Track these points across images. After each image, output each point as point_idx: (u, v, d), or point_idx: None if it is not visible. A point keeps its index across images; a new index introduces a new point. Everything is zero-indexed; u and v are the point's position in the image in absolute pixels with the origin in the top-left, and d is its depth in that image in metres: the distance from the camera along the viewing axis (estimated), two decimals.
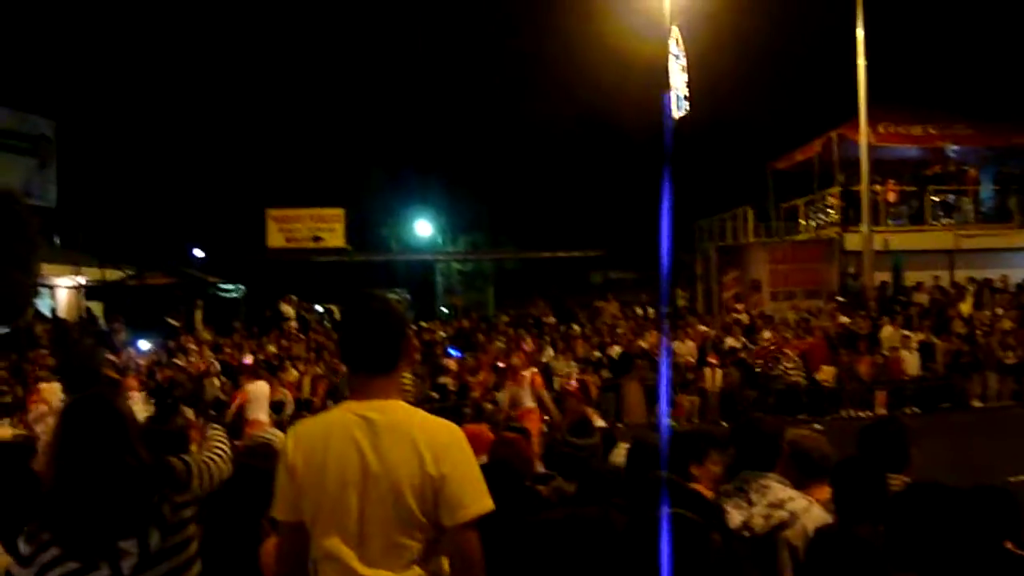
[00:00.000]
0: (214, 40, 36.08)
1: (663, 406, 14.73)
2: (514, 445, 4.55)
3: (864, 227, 21.75)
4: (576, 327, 21.36)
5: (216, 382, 17.54)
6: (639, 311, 23.73)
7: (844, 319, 19.97)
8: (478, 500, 2.53)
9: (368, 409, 2.59)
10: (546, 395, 11.83)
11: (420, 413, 2.67)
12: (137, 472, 2.70)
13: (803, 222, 26.21)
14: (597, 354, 19.08)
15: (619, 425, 16.76)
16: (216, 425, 3.04)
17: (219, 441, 3.24)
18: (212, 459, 3.02)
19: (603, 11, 25.81)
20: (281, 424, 15.07)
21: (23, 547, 2.47)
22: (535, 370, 12.87)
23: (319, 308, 27.62)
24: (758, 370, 18.08)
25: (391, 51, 38.02)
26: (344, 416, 2.62)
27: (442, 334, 21.86)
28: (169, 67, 35.10)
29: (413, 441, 2.53)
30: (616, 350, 19.08)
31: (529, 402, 11.41)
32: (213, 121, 34.76)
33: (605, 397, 17.70)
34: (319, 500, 2.55)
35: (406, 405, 2.67)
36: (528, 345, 18.62)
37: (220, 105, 35.04)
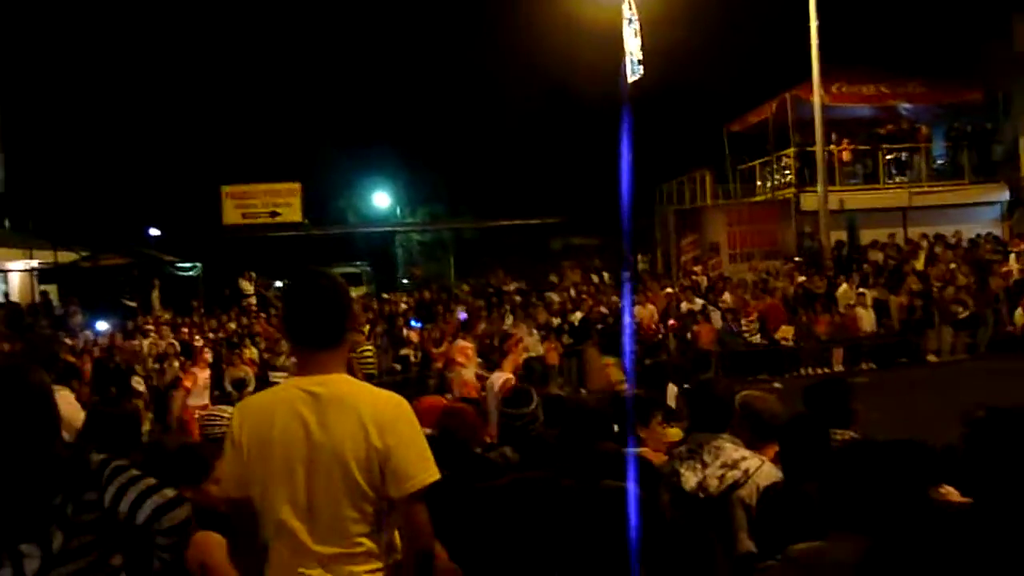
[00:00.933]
0: (164, 16, 35.42)
1: (627, 371, 14.83)
2: (460, 415, 4.57)
3: (820, 187, 21.95)
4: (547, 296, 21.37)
5: (176, 363, 17.36)
6: (595, 278, 23.81)
7: (802, 279, 20.18)
8: (424, 471, 2.54)
9: (313, 384, 2.59)
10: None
11: (365, 386, 2.68)
12: (46, 465, 2.52)
13: (759, 183, 26.37)
14: (557, 321, 19.11)
15: (582, 391, 16.87)
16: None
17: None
18: (139, 479, 2.60)
19: None
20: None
21: None
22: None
23: (278, 284, 27.43)
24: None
25: (344, 22, 37.51)
26: (289, 391, 2.62)
27: (404, 305, 21.81)
28: (119, 45, 34.37)
29: (358, 414, 2.53)
30: (577, 316, 19.14)
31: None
32: (165, 98, 34.21)
33: (567, 363, 17.78)
34: (267, 475, 2.55)
35: (351, 379, 2.67)
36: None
37: (172, 82, 34.48)
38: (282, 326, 2.81)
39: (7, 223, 30.34)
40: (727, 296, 19.55)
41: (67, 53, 33.23)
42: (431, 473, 2.56)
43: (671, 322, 18.50)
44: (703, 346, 17.99)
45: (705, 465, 3.74)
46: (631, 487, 3.34)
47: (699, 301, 19.30)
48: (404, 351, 18.24)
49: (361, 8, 36.36)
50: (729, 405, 3.99)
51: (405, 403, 2.65)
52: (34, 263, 28.28)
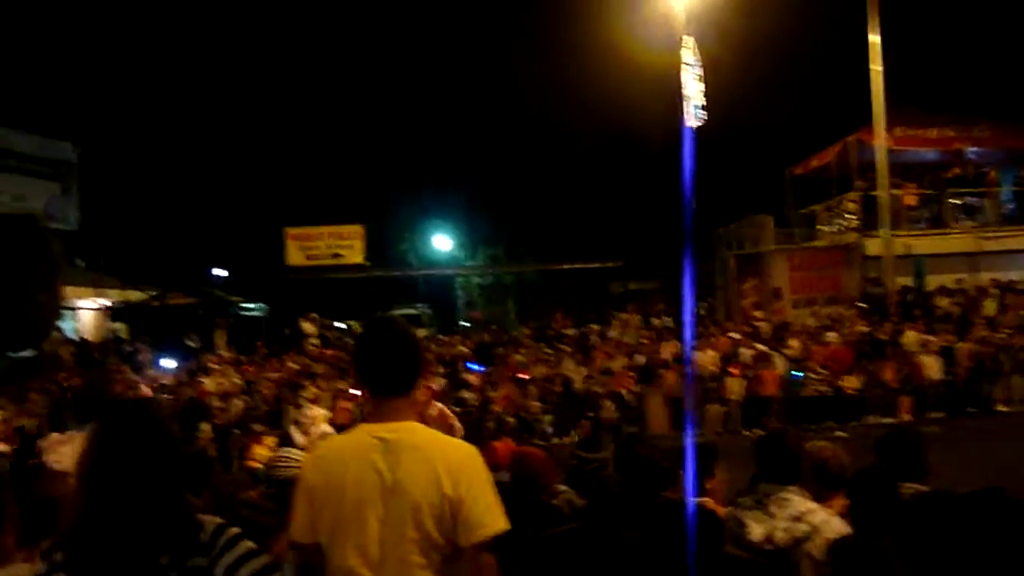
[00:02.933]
0: (233, 63, 36.43)
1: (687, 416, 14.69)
2: (534, 460, 4.57)
3: (884, 232, 21.62)
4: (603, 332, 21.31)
5: (239, 402, 17.63)
6: (656, 322, 23.66)
7: (866, 326, 19.84)
8: (494, 520, 2.56)
9: (385, 431, 2.62)
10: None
11: (437, 434, 2.71)
12: (160, 516, 2.29)
13: (822, 228, 26.06)
14: (618, 365, 19.01)
15: (634, 432, 16.75)
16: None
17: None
18: (253, 555, 2.38)
19: (617, 23, 25.85)
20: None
21: (39, 564, 2.38)
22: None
23: (340, 325, 27.72)
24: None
25: (408, 68, 38.17)
26: (362, 438, 2.65)
27: (463, 348, 21.88)
28: (189, 90, 35.45)
29: (431, 462, 2.56)
30: (639, 360, 19.03)
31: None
32: (232, 142, 35.08)
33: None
34: (337, 521, 2.57)
35: (423, 426, 2.71)
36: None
37: (239, 126, 35.36)
38: (355, 373, 2.83)
39: (81, 262, 31.20)
40: (792, 342, 19.27)
41: (142, 99, 34.33)
42: (500, 523, 2.57)
43: (732, 368, 18.28)
44: (767, 393, 17.74)
45: (772, 516, 3.70)
46: (691, 540, 3.31)
47: (762, 347, 19.06)
48: (463, 394, 18.27)
49: (425, 54, 37.02)
50: (799, 456, 3.94)
51: (475, 452, 2.67)
52: (105, 301, 29.02)
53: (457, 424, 8.49)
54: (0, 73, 29.58)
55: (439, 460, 2.56)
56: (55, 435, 5.19)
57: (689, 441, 3.82)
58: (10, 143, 30.91)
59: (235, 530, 2.39)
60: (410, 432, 2.63)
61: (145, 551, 2.27)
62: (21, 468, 6.60)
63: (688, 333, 20.16)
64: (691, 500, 3.98)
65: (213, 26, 37.65)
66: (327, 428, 16.30)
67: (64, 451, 4.75)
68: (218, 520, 2.40)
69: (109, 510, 2.29)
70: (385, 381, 2.69)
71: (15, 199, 29.07)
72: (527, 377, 18.41)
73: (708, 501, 4.06)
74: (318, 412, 12.77)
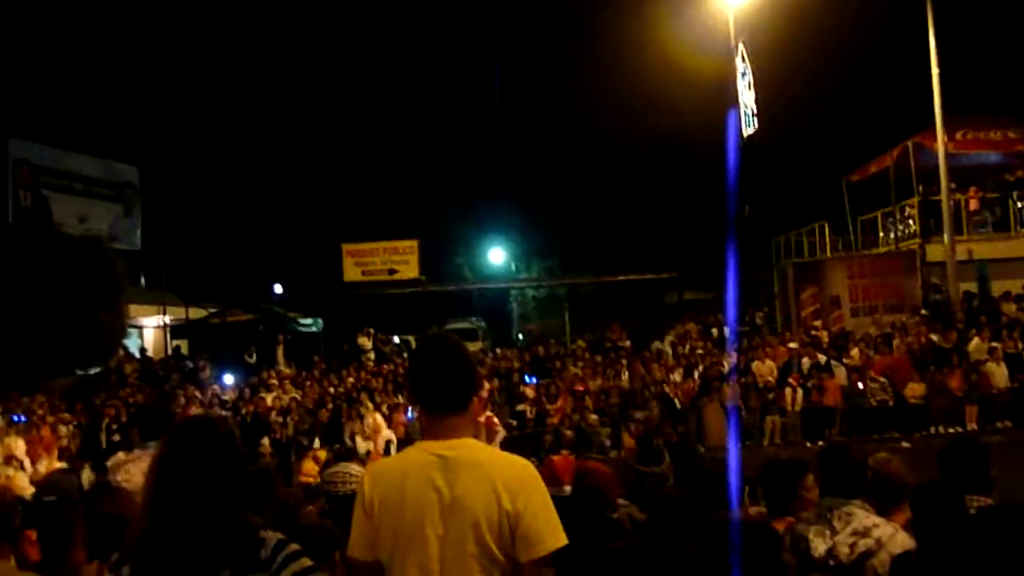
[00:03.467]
0: (287, 84, 37.02)
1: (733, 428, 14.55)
2: (596, 474, 4.55)
3: (946, 237, 21.20)
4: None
5: (296, 417, 17.83)
6: (715, 332, 23.45)
7: (930, 334, 19.44)
8: (553, 536, 2.56)
9: (443, 448, 2.64)
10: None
11: (494, 450, 2.75)
12: (223, 530, 2.35)
13: (882, 235, 25.64)
14: (678, 378, 18.86)
15: (700, 448, 16.58)
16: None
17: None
18: (311, 571, 2.43)
19: (669, 32, 25.82)
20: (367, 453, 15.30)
21: None
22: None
23: (396, 339, 27.92)
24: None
25: (460, 81, 38.43)
26: (420, 455, 2.68)
27: (517, 362, 21.89)
28: (246, 111, 36.10)
29: (489, 478, 2.57)
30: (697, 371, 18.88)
31: None
32: (288, 160, 35.64)
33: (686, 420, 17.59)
34: (397, 539, 2.60)
35: (480, 443, 2.73)
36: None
37: (296, 145, 35.92)
38: (409, 390, 2.85)
39: (143, 281, 31.89)
40: (854, 351, 18.95)
41: (199, 120, 35.03)
42: (559, 538, 2.57)
43: (791, 378, 18.03)
44: (828, 403, 17.46)
45: (835, 531, 3.64)
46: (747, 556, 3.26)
47: (822, 356, 18.76)
48: (520, 407, 18.28)
49: (477, 68, 37.25)
50: (862, 469, 3.87)
51: (532, 467, 2.68)
52: (167, 319, 29.59)
53: (501, 430, 8.52)
54: (64, 98, 30.40)
55: (497, 476, 2.58)
56: (121, 454, 5.30)
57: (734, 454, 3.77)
58: (75, 167, 31.80)
59: (294, 547, 2.43)
60: (468, 449, 2.65)
61: (206, 566, 2.32)
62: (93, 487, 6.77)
63: (734, 343, 20.00)
64: (736, 514, 3.94)
65: (270, 49, 38.35)
66: (390, 434, 16.49)
67: (132, 470, 4.86)
68: (279, 536, 2.45)
69: (174, 526, 2.34)
70: (440, 398, 2.71)
71: (80, 220, 29.83)
72: (583, 389, 18.36)
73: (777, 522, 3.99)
74: (380, 420, 12.87)
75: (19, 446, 13.03)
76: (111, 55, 32.88)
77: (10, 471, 11.07)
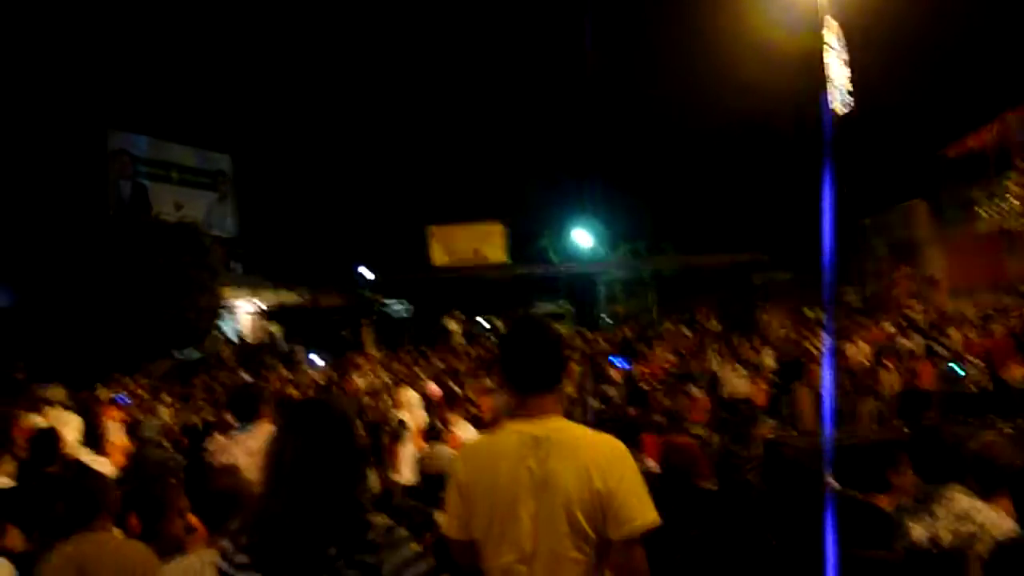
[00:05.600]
0: (374, 68, 37.42)
1: (829, 412, 14.23)
2: (684, 450, 4.54)
3: None
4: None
5: (387, 399, 18.07)
6: (810, 314, 22.98)
7: None
8: (644, 514, 2.58)
9: (534, 427, 2.67)
10: None
11: (585, 429, 2.74)
12: (333, 508, 2.41)
13: (981, 212, 24.76)
14: (768, 359, 18.55)
15: (792, 432, 16.32)
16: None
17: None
18: (420, 559, 2.46)
19: (755, 5, 25.25)
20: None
21: (226, 544, 2.53)
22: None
23: (483, 322, 28.09)
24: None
25: (547, 61, 38.29)
26: (511, 435, 2.71)
27: (604, 344, 21.83)
28: (333, 96, 36.64)
29: (580, 457, 2.60)
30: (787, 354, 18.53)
31: None
32: (375, 144, 36.06)
33: (776, 404, 17.30)
34: (490, 518, 2.64)
35: (570, 422, 2.74)
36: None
37: (381, 128, 36.32)
38: (500, 371, 2.89)
39: (239, 267, 32.75)
40: (952, 332, 18.38)
41: (288, 107, 35.69)
42: (651, 516, 2.58)
43: (886, 360, 17.56)
44: (924, 386, 16.96)
45: (935, 517, 3.55)
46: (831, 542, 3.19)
47: (918, 338, 18.24)
48: (607, 390, 18.19)
49: (562, 48, 37.08)
50: (957, 452, 3.76)
51: (623, 446, 2.69)
52: (260, 303, 30.36)
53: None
54: (160, 90, 31.29)
55: (588, 455, 2.60)
56: (220, 438, 5.46)
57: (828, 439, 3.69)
58: (171, 156, 32.79)
59: (404, 532, 2.49)
60: (558, 428, 2.68)
61: (317, 542, 2.39)
62: (193, 465, 7.02)
63: (829, 324, 19.53)
64: (859, 499, 3.86)
65: (356, 33, 38.81)
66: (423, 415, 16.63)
67: (235, 451, 5.02)
68: (389, 521, 2.49)
69: (291, 501, 2.42)
70: (531, 379, 2.74)
71: (177, 208, 30.77)
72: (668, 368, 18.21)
73: (881, 499, 3.92)
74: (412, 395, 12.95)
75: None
76: (204, 47, 33.70)
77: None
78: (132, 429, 16.31)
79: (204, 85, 32.86)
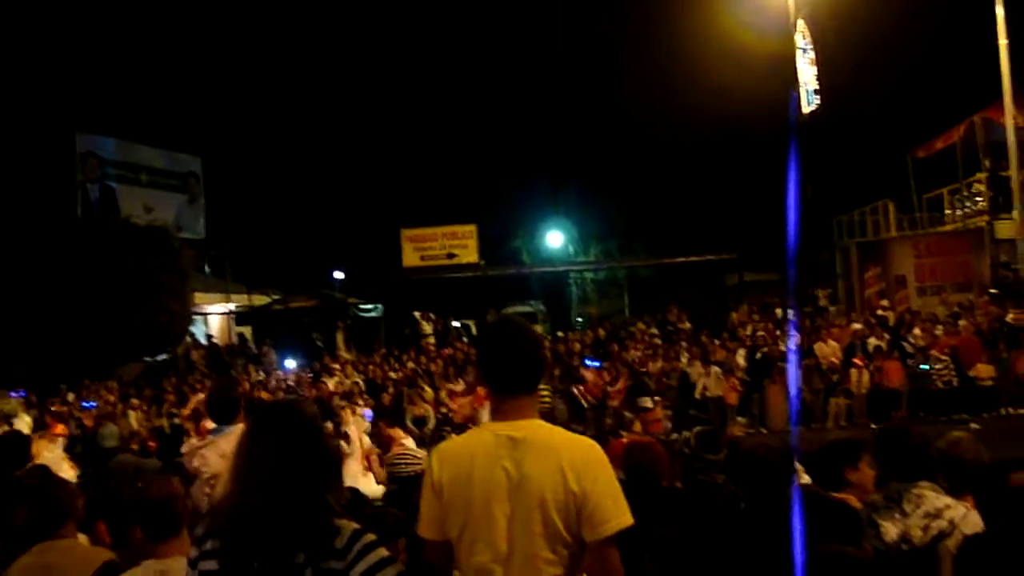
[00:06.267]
0: (344, 71, 37.30)
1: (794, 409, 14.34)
2: (646, 449, 4.56)
3: (1016, 214, 20.63)
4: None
5: (360, 402, 18.02)
6: (778, 312, 23.15)
7: (1000, 313, 18.96)
8: (618, 515, 2.58)
9: (510, 428, 2.66)
10: None
11: (561, 431, 2.73)
12: (299, 514, 2.37)
13: (949, 212, 25.06)
14: (740, 360, 18.65)
15: (762, 431, 16.43)
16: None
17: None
18: (388, 562, 2.43)
19: (726, 9, 25.42)
20: (423, 439, 15.42)
21: (192, 550, 2.49)
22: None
23: (456, 324, 28.08)
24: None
25: (518, 64, 38.37)
26: (487, 435, 2.70)
27: (578, 345, 21.87)
28: (303, 98, 36.49)
29: (557, 458, 2.59)
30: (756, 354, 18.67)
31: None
32: (347, 147, 35.98)
33: (747, 403, 17.46)
34: (465, 518, 2.63)
35: (546, 423, 2.74)
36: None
37: (353, 131, 36.23)
38: (477, 372, 2.88)
39: (208, 269, 32.50)
40: (917, 331, 18.59)
41: (258, 110, 35.52)
42: (625, 518, 2.58)
43: (856, 359, 17.74)
44: (891, 385, 17.16)
45: (905, 515, 3.57)
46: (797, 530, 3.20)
47: (887, 337, 18.44)
48: (580, 390, 18.24)
49: (532, 48, 37.16)
50: (923, 450, 3.79)
51: (599, 448, 2.69)
52: (231, 306, 30.14)
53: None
54: (127, 92, 31.01)
55: (564, 456, 2.59)
56: (194, 440, 5.43)
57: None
58: (140, 158, 32.49)
59: (371, 537, 2.46)
60: (535, 429, 2.67)
61: (284, 547, 2.36)
62: (166, 468, 6.95)
63: (796, 323, 19.66)
64: (830, 496, 3.88)
65: (326, 37, 38.68)
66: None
67: (208, 455, 4.99)
68: (355, 526, 2.47)
69: (258, 505, 2.38)
70: (509, 380, 2.73)
71: (146, 211, 30.49)
72: (644, 370, 18.28)
73: (849, 497, 3.95)
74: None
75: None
76: (171, 49, 33.49)
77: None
78: (92, 438, 16.22)
79: (173, 86, 32.66)
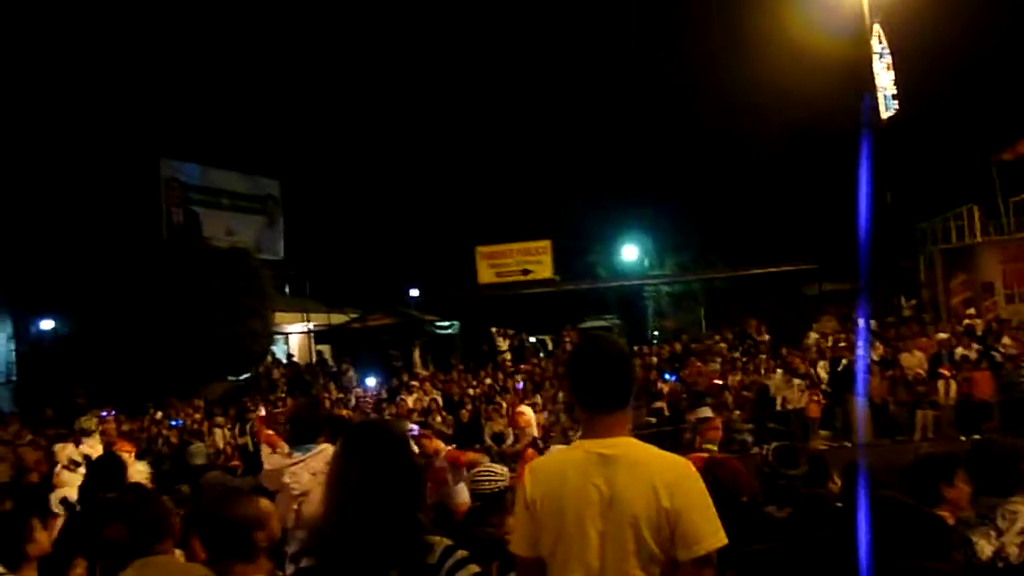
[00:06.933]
0: (418, 91, 37.78)
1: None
2: (724, 468, 4.52)
3: None
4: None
5: (438, 418, 18.16)
6: (860, 322, 22.63)
7: None
8: (713, 535, 2.56)
9: (602, 446, 2.68)
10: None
11: (653, 449, 2.74)
12: (394, 529, 2.43)
13: None
14: (821, 371, 18.30)
15: (845, 444, 16.06)
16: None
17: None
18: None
19: (801, 17, 25.11)
20: (502, 455, 15.46)
21: (287, 567, 2.55)
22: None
23: (532, 339, 28.10)
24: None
25: (591, 77, 38.31)
26: (580, 453, 2.72)
27: (655, 359, 21.71)
28: (378, 119, 37.05)
29: (649, 476, 2.59)
30: (843, 363, 18.24)
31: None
32: (421, 165, 36.38)
33: (830, 415, 17.09)
34: (558, 536, 2.64)
35: (638, 441, 2.75)
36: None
37: (427, 150, 36.63)
38: (569, 390, 2.90)
39: (287, 289, 33.15)
40: (1006, 340, 18.00)
41: (334, 130, 36.18)
42: (719, 537, 2.57)
43: (942, 369, 17.25)
44: (981, 396, 16.63)
45: (1000, 532, 3.48)
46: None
47: (975, 346, 17.89)
48: (657, 404, 18.12)
49: (605, 61, 37.12)
50: (1015, 465, 3.69)
51: (691, 465, 2.68)
52: (310, 325, 30.68)
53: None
54: (208, 118, 31.88)
55: (656, 474, 2.60)
56: (278, 457, 5.53)
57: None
58: (221, 182, 33.36)
59: (463, 553, 2.50)
60: (627, 447, 2.68)
61: (377, 565, 2.41)
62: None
63: (866, 334, 19.19)
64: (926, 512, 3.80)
65: (401, 58, 39.25)
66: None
67: (298, 472, 5.12)
68: (447, 542, 2.51)
69: (351, 523, 2.44)
70: (600, 398, 2.74)
71: (227, 234, 31.26)
72: (720, 383, 18.05)
73: (944, 514, 3.87)
74: (529, 414, 12.97)
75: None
76: (249, 76, 34.31)
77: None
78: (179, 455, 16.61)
79: (251, 112, 33.42)
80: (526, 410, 12.97)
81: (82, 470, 10.77)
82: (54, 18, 29.25)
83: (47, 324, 27.71)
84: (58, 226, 25.91)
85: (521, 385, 20.04)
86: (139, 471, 6.59)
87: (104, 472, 5.86)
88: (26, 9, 27.76)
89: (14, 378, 26.60)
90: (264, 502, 3.45)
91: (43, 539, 4.31)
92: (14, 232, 25.14)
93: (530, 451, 10.47)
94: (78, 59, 28.84)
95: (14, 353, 27.37)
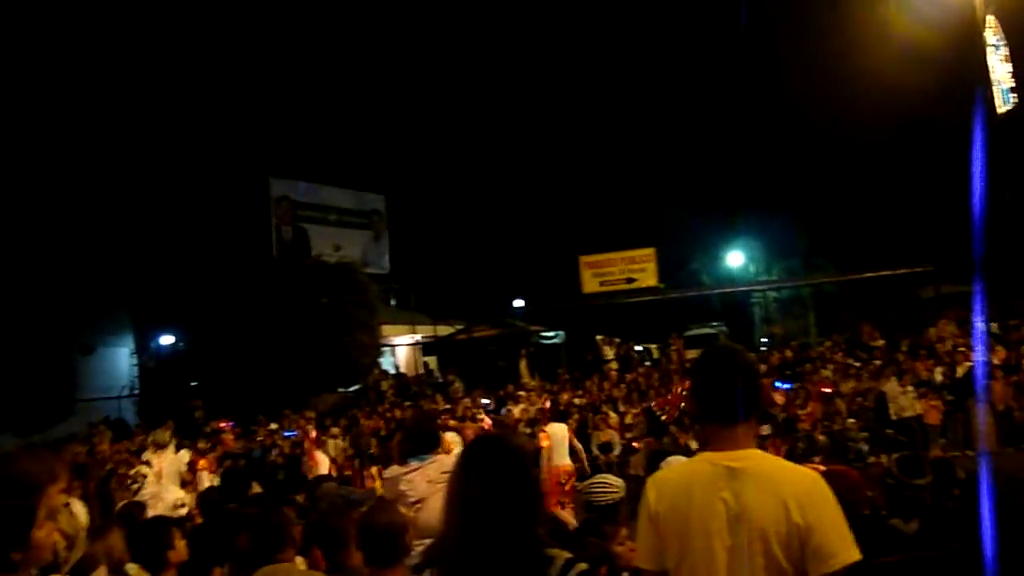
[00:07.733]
0: (519, 103, 38.06)
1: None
2: (840, 479, 4.39)
3: None
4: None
5: (546, 429, 18.17)
6: (984, 327, 21.69)
7: None
8: (846, 550, 2.49)
9: (728, 459, 2.63)
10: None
11: (782, 461, 2.69)
12: (514, 546, 2.44)
13: None
14: (939, 376, 17.66)
15: (968, 453, 15.44)
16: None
17: None
18: None
19: (909, 10, 24.36)
20: (609, 465, 15.41)
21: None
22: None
23: (638, 348, 27.91)
24: None
25: (692, 84, 37.98)
26: (705, 466, 2.67)
27: (764, 366, 21.27)
28: (480, 132, 37.46)
29: (778, 490, 2.54)
30: (963, 368, 17.56)
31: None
32: (524, 176, 36.61)
33: (950, 422, 16.44)
34: (684, 550, 2.61)
35: (765, 453, 2.69)
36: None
37: (529, 161, 36.85)
38: (693, 402, 2.85)
39: (394, 302, 33.74)
40: None
41: (437, 144, 36.72)
42: (852, 552, 2.50)
43: None
44: None
45: None
46: None
47: None
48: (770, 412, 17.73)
49: (703, 67, 36.72)
50: None
51: (822, 479, 2.61)
52: (417, 337, 31.13)
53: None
54: (315, 136, 32.77)
55: (786, 488, 2.54)
56: (395, 467, 5.65)
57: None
58: (329, 199, 34.23)
59: (583, 566, 2.49)
60: (754, 460, 2.63)
61: None
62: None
63: (984, 337, 18.37)
64: None
65: (503, 70, 39.62)
66: None
67: (415, 480, 5.25)
68: (567, 555, 2.51)
69: (473, 536, 2.47)
70: (726, 410, 2.69)
71: (335, 249, 32.01)
72: (830, 391, 17.57)
73: None
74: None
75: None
76: (357, 94, 35.14)
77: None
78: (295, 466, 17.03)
79: (357, 129, 34.23)
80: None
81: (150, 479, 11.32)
82: (167, 44, 30.50)
83: (167, 339, 28.81)
84: (175, 246, 26.93)
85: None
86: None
87: (231, 485, 6.08)
88: (136, 33, 28.97)
89: (137, 391, 27.70)
90: (403, 510, 3.65)
91: (182, 547, 4.63)
92: (135, 252, 26.22)
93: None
94: (197, 86, 30.01)
95: (136, 368, 28.53)
